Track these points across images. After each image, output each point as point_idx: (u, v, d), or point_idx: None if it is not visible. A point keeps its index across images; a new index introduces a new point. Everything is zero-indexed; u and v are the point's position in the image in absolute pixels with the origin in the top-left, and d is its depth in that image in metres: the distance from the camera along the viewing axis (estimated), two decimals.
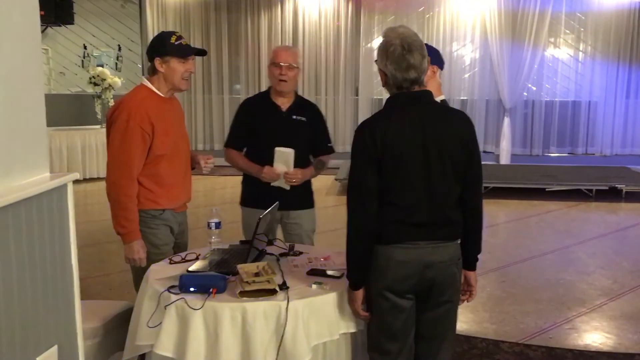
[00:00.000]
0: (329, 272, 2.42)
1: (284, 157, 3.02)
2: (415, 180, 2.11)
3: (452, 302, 2.24)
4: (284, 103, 3.16)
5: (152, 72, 2.78)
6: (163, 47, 2.72)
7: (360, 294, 2.19)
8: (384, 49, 2.12)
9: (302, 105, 3.25)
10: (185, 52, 2.73)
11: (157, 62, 2.73)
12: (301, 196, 3.23)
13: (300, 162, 3.11)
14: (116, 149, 2.68)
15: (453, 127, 2.17)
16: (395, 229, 2.13)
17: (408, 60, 2.08)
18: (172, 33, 2.77)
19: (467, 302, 2.37)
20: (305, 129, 3.16)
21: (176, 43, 2.71)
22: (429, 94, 2.19)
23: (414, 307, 2.21)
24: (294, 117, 3.15)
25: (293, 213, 3.20)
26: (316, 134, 3.25)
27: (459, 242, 2.23)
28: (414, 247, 2.13)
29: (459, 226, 2.21)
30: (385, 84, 2.18)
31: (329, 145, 3.31)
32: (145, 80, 2.80)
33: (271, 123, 3.12)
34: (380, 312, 2.19)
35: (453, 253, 2.20)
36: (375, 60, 2.20)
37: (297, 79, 3.14)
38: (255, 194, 3.18)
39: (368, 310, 2.22)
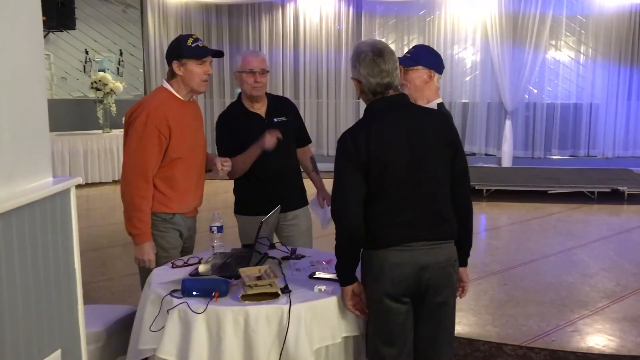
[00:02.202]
0: (331, 276, 2.42)
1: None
2: (404, 182, 2.13)
3: (448, 304, 2.23)
4: (260, 108, 3.14)
5: (171, 75, 2.78)
6: (180, 50, 2.72)
7: (349, 289, 2.19)
8: (356, 57, 2.18)
9: (277, 104, 3.23)
10: (201, 53, 2.73)
11: (175, 65, 2.73)
12: (296, 196, 3.24)
13: (290, 159, 3.20)
14: (133, 150, 2.68)
15: (435, 126, 2.21)
16: (387, 232, 2.14)
17: (379, 64, 2.13)
18: (189, 36, 2.76)
19: (460, 297, 2.37)
20: (287, 128, 3.13)
21: (193, 45, 2.71)
22: (405, 97, 2.25)
23: (410, 310, 2.21)
24: (275, 119, 3.12)
25: (290, 214, 3.20)
26: (298, 129, 3.27)
27: (453, 243, 2.23)
28: (409, 249, 2.13)
29: (453, 225, 2.21)
30: (361, 92, 2.22)
31: (307, 136, 3.40)
32: (166, 83, 2.80)
33: (255, 133, 3.04)
34: (377, 317, 2.20)
35: (449, 254, 2.20)
36: (352, 78, 2.24)
37: (267, 81, 3.14)
38: (250, 201, 3.16)
39: (366, 313, 2.23)
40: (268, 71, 3.12)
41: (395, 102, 2.19)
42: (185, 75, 2.73)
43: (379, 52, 2.14)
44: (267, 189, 3.09)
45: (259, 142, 2.96)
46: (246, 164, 3.05)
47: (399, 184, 2.13)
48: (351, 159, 2.12)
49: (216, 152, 3.21)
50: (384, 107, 2.18)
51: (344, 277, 2.20)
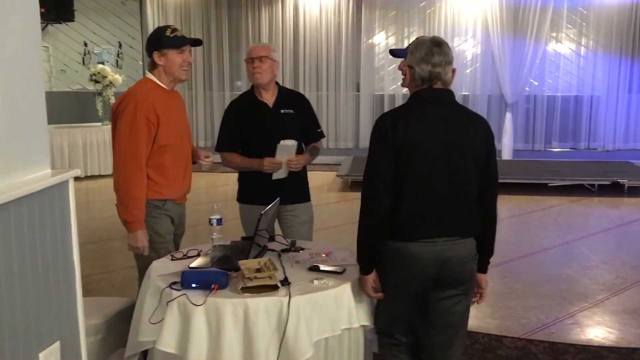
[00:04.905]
0: (331, 268, 2.42)
1: (286, 150, 3.06)
2: (435, 175, 2.14)
3: (466, 296, 2.28)
4: (268, 98, 3.17)
5: (153, 66, 2.86)
6: (159, 40, 2.81)
7: (370, 277, 2.23)
8: (414, 44, 2.22)
9: (288, 97, 3.26)
10: (180, 42, 2.81)
11: (156, 55, 2.82)
12: (297, 190, 3.26)
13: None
14: (124, 139, 2.73)
15: (476, 127, 2.23)
16: (412, 224, 2.16)
17: (434, 54, 2.16)
18: (167, 27, 2.85)
19: (477, 303, 2.40)
20: (294, 121, 3.18)
21: (171, 35, 2.80)
22: (451, 94, 2.25)
23: (424, 297, 2.26)
24: (282, 111, 3.17)
25: (289, 206, 3.22)
26: (306, 124, 3.27)
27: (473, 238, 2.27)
28: (432, 244, 2.16)
29: (475, 223, 2.24)
30: (411, 79, 2.22)
31: (318, 131, 3.35)
32: (149, 73, 2.88)
33: (260, 121, 3.14)
34: (392, 300, 2.24)
35: (470, 249, 2.24)
36: (402, 67, 2.25)
37: (273, 70, 3.14)
38: (253, 190, 3.21)
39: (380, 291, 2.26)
40: (270, 58, 3.11)
41: (442, 96, 2.21)
42: (167, 65, 2.81)
43: (437, 43, 2.19)
44: (267, 180, 3.12)
45: (261, 163, 3.06)
46: (242, 167, 3.22)
47: (430, 177, 2.14)
48: (386, 139, 2.12)
49: (210, 145, 3.31)
50: (430, 97, 2.19)
51: (365, 265, 2.23)
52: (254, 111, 3.16)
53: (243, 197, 3.28)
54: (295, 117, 3.19)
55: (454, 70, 2.23)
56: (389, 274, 2.22)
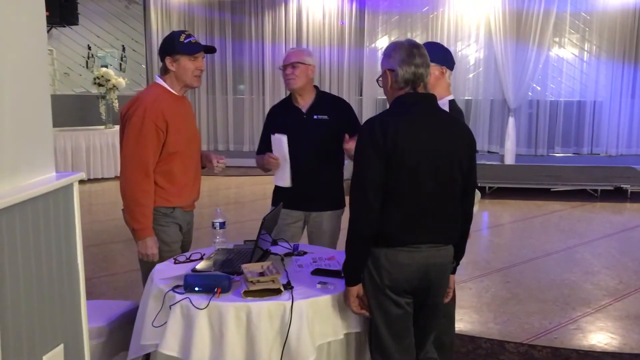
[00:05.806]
0: (333, 272, 2.42)
1: (278, 144, 3.07)
2: (423, 182, 2.13)
3: (442, 302, 2.32)
4: (304, 104, 3.16)
5: (164, 71, 2.82)
6: (173, 46, 2.76)
7: (355, 290, 2.19)
8: (392, 47, 2.20)
9: (324, 102, 3.19)
10: (194, 49, 2.76)
11: (168, 61, 2.77)
12: (325, 198, 3.19)
13: (324, 159, 3.11)
14: (132, 145, 2.70)
15: (461, 135, 2.23)
16: (399, 231, 2.14)
17: (415, 55, 2.14)
18: (181, 32, 2.80)
19: (444, 301, 2.39)
20: (327, 127, 3.11)
21: (185, 41, 2.75)
22: (434, 98, 2.24)
23: (411, 305, 2.24)
24: (315, 116, 3.13)
25: (314, 213, 3.19)
26: (344, 130, 3.12)
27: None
28: (417, 250, 2.15)
29: (457, 231, 2.25)
30: (394, 82, 2.19)
31: None
32: (159, 79, 2.84)
33: (291, 126, 3.11)
34: (384, 312, 2.21)
35: (450, 254, 2.25)
36: (378, 79, 2.24)
37: (307, 75, 3.10)
38: (281, 194, 3.17)
39: (369, 310, 2.22)
40: (303, 63, 3.08)
41: (427, 101, 2.19)
42: (178, 71, 2.77)
43: (415, 45, 2.18)
44: (298, 185, 3.11)
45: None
46: (260, 166, 3.24)
47: (417, 184, 2.12)
48: (377, 145, 2.08)
49: (213, 148, 3.28)
50: (415, 102, 2.17)
51: (351, 276, 2.19)
52: (288, 116, 3.17)
53: (276, 201, 3.25)
54: (329, 123, 3.12)
55: (429, 73, 2.21)
56: (376, 281, 2.18)
